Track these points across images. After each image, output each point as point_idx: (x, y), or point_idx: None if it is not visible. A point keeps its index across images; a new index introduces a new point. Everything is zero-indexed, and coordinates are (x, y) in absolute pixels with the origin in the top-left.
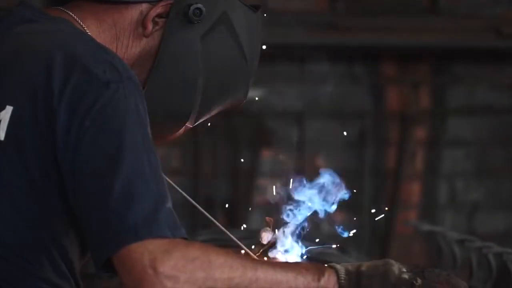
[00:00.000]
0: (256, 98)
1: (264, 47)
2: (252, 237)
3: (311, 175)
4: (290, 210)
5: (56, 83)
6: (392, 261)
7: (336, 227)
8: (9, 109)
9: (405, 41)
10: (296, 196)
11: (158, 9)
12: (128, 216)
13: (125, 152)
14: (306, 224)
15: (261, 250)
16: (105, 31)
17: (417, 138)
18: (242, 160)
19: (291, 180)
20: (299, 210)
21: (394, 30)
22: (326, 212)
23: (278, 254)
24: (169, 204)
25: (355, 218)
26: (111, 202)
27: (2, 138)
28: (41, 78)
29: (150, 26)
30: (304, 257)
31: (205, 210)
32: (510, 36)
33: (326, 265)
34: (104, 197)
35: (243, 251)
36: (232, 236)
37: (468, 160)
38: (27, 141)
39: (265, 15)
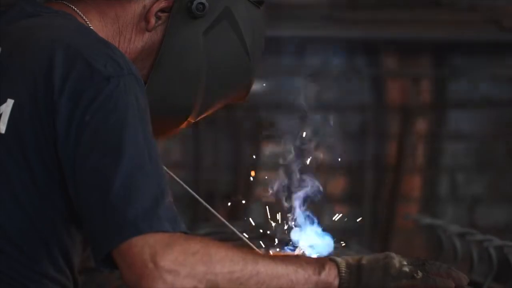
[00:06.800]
0: (257, 92)
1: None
2: (253, 230)
3: (312, 170)
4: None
5: (57, 77)
6: (393, 254)
7: None
8: (10, 102)
9: (406, 34)
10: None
11: (161, 3)
12: (128, 210)
13: (125, 147)
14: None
15: None
16: (108, 25)
17: (418, 131)
18: (243, 153)
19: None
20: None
21: (395, 23)
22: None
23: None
24: (170, 199)
25: (356, 212)
26: (111, 197)
27: (3, 132)
28: (42, 72)
29: (153, 20)
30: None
31: (206, 203)
32: (511, 29)
33: (326, 258)
34: (104, 191)
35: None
36: (233, 229)
37: (468, 154)
38: (28, 135)
39: (267, 9)
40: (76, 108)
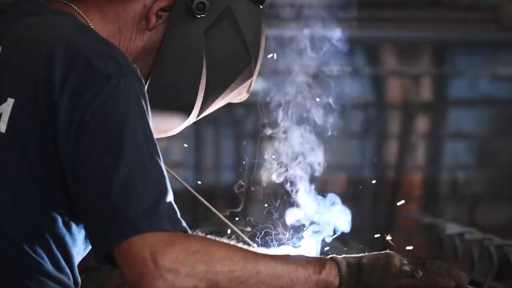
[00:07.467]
0: (258, 91)
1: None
2: (254, 229)
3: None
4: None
5: (57, 76)
6: (393, 253)
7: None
8: (10, 101)
9: (406, 33)
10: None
11: (162, 2)
12: (129, 209)
13: (126, 145)
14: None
15: None
16: (108, 24)
17: (418, 130)
18: (244, 152)
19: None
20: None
21: (395, 22)
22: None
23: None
24: (170, 197)
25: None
26: (112, 196)
27: (3, 131)
28: (42, 71)
29: (153, 19)
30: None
31: (207, 202)
32: (510, 27)
33: (327, 257)
34: (104, 190)
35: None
36: (234, 228)
37: (469, 152)
38: (28, 134)
39: (268, 8)
40: (76, 107)
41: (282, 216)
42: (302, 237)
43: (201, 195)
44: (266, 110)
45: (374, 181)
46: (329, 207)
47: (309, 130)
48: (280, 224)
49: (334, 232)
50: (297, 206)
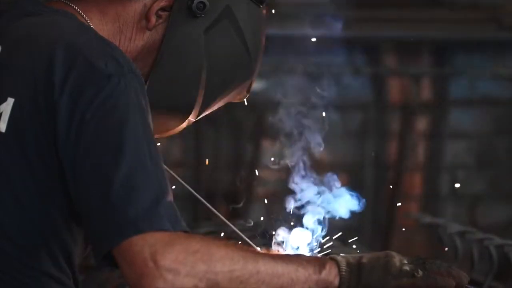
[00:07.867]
0: (258, 90)
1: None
2: (253, 229)
3: (312, 168)
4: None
5: (57, 76)
6: (393, 253)
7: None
8: (10, 101)
9: (406, 32)
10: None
11: (162, 2)
12: (129, 209)
13: (126, 145)
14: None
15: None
16: (108, 24)
17: (418, 130)
18: (243, 151)
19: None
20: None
21: (395, 21)
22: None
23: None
24: (170, 197)
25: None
26: (112, 196)
27: (3, 130)
28: (42, 71)
29: (153, 19)
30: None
31: (207, 202)
32: (511, 27)
33: (327, 257)
34: (104, 190)
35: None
36: (234, 228)
37: (469, 152)
38: (28, 134)
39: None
40: (76, 107)
41: (282, 209)
42: (303, 216)
43: (201, 195)
44: (266, 108)
45: (373, 181)
46: (329, 190)
47: (308, 128)
48: (280, 216)
49: (334, 216)
50: (296, 191)
